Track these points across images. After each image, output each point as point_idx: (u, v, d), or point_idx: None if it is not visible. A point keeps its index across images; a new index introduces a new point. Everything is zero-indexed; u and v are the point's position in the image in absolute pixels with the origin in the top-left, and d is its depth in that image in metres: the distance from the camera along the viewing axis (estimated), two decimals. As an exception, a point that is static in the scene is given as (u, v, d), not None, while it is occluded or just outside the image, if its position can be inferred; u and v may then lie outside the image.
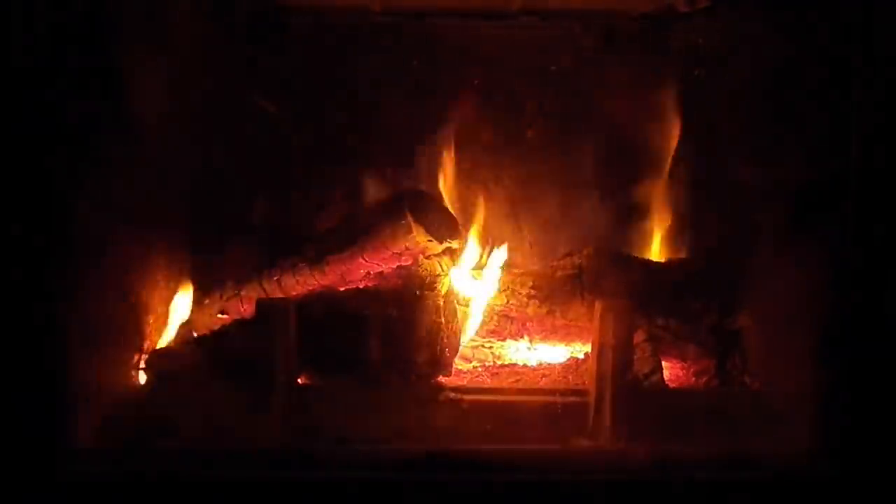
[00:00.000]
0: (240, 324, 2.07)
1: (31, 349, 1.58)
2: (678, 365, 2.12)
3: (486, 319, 2.20)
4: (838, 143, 1.64)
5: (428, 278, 2.10)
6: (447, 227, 2.17)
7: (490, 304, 2.19)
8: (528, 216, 2.51)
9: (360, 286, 2.14)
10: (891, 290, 1.60)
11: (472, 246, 2.29)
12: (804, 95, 1.81)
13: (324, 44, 2.47)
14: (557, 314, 2.17)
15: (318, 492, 1.60)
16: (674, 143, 2.40)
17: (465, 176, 2.44)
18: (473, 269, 2.26)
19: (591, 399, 1.79)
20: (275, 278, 2.17)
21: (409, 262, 2.15)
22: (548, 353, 2.21)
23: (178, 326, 2.16)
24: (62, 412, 1.61)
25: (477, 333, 2.20)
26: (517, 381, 2.04)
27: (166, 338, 2.11)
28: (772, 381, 1.96)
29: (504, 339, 2.23)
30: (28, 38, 1.55)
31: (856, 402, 1.62)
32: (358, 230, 2.19)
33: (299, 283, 2.15)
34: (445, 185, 2.39)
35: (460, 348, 2.09)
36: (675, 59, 2.42)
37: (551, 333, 2.22)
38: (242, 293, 2.18)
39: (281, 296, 2.13)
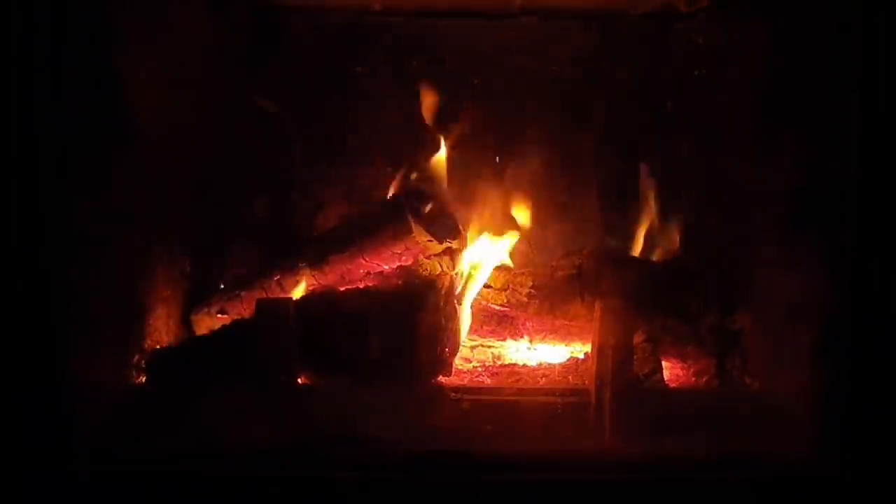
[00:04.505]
0: (240, 324, 2.07)
1: (32, 349, 1.57)
2: (678, 365, 2.12)
3: (486, 319, 2.19)
4: (839, 143, 1.64)
5: (428, 278, 2.10)
6: (447, 227, 2.17)
7: (490, 304, 2.19)
8: (529, 216, 2.50)
9: (360, 286, 2.14)
10: (892, 290, 1.60)
11: (471, 245, 2.29)
12: (804, 95, 1.80)
13: (324, 44, 2.47)
14: (557, 314, 2.17)
15: (318, 492, 1.60)
16: (673, 143, 2.40)
17: (465, 176, 2.43)
18: (472, 266, 2.26)
19: (591, 399, 1.79)
20: (275, 278, 2.17)
21: (409, 262, 2.15)
22: (548, 353, 2.21)
23: (177, 326, 2.16)
24: (62, 412, 1.61)
25: (477, 333, 2.20)
26: (517, 381, 2.04)
27: (166, 338, 2.11)
28: (772, 381, 1.96)
29: (504, 339, 2.23)
30: (28, 38, 1.54)
31: (856, 402, 1.62)
32: (358, 230, 2.19)
33: (299, 283, 2.15)
34: (445, 185, 2.39)
35: (460, 348, 2.09)
36: (675, 59, 2.42)
37: (551, 333, 2.22)
38: (242, 293, 2.18)
39: (281, 296, 2.13)
